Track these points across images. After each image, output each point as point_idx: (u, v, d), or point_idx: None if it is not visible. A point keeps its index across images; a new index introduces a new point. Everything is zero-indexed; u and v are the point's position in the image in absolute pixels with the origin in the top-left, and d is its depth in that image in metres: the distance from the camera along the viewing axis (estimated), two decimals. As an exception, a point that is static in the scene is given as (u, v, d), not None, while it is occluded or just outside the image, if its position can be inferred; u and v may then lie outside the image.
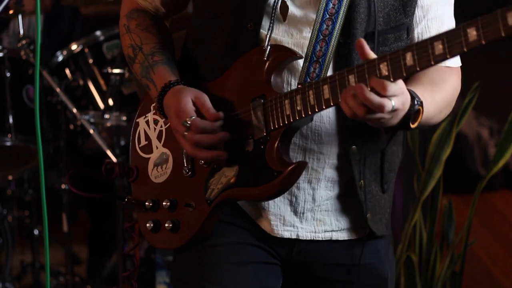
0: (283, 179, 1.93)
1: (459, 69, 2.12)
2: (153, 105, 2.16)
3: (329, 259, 2.12)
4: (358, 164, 2.03)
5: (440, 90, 2.03)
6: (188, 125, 1.96)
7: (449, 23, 2.10)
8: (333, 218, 2.09)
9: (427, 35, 2.06)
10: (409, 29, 2.04)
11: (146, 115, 2.18)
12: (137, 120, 2.21)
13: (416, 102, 1.89)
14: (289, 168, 1.93)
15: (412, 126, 1.92)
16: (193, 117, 1.96)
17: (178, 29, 2.34)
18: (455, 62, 2.10)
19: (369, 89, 1.78)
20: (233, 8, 2.01)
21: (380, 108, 1.79)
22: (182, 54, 2.17)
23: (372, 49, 1.86)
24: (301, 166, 1.94)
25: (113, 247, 4.25)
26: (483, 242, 4.77)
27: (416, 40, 2.07)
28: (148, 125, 2.18)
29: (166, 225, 2.08)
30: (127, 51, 2.15)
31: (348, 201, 2.09)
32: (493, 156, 3.42)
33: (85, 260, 4.69)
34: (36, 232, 4.22)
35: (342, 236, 2.11)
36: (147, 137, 2.18)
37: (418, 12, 2.04)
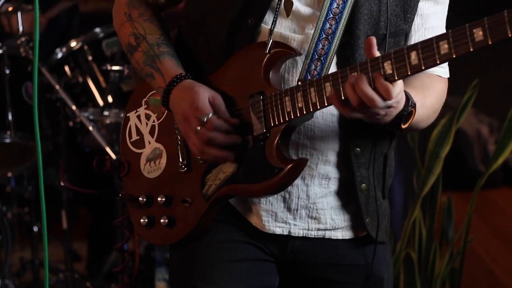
0: (283, 176, 1.92)
1: (447, 81, 2.12)
2: (145, 99, 2.15)
3: (324, 258, 2.10)
4: (361, 167, 2.03)
5: (430, 95, 2.04)
6: (205, 120, 1.94)
7: None
8: (328, 217, 2.07)
9: None
10: (407, 36, 2.05)
11: (137, 110, 2.17)
12: (127, 115, 2.20)
13: (410, 103, 1.90)
14: (290, 165, 1.92)
15: (403, 126, 1.92)
16: (211, 115, 1.95)
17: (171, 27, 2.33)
18: (445, 72, 2.11)
19: (371, 85, 1.79)
20: (234, 2, 2.00)
21: (372, 102, 1.79)
22: (176, 46, 2.14)
23: None
24: (302, 163, 1.94)
25: (113, 244, 4.25)
26: (483, 239, 4.77)
27: None
28: (140, 120, 2.16)
29: (162, 220, 2.07)
30: (127, 39, 2.13)
31: (345, 200, 2.08)
32: (493, 153, 3.42)
33: (85, 257, 4.69)
34: (35, 229, 4.22)
35: (336, 235, 2.09)
36: (139, 132, 2.16)
37: (417, 20, 2.05)
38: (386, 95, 1.79)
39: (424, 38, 2.03)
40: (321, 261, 2.11)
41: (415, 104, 1.91)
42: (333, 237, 2.09)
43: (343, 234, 2.09)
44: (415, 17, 2.04)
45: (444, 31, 2.10)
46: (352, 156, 2.02)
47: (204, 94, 1.97)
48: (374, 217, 2.08)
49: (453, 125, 3.38)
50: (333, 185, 2.05)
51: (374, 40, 1.80)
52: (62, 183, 3.99)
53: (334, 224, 2.08)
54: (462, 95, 3.41)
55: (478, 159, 5.78)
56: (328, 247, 2.09)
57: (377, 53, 1.81)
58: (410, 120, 1.93)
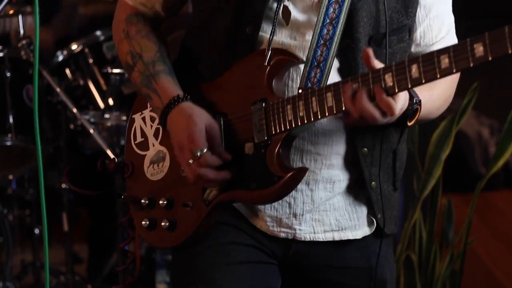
0: (283, 184, 1.93)
1: None
2: None
3: (327, 261, 2.11)
4: (370, 165, 2.04)
5: (437, 87, 2.04)
6: (198, 155, 1.95)
7: (450, 21, 2.11)
8: (332, 218, 2.07)
9: (429, 34, 2.08)
10: (411, 30, 2.05)
11: (143, 112, 2.17)
12: (132, 116, 2.20)
13: (414, 101, 1.91)
14: (290, 174, 1.92)
15: (409, 124, 1.94)
16: (205, 150, 1.95)
17: (175, 28, 2.34)
18: None
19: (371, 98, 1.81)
20: (232, 10, 2.00)
21: (373, 119, 1.83)
22: (180, 53, 2.16)
23: (376, 52, 1.88)
24: (302, 172, 1.94)
25: (114, 246, 4.26)
26: (483, 241, 4.77)
27: (418, 39, 2.08)
28: (145, 122, 2.16)
29: (163, 223, 2.08)
30: (125, 58, 2.12)
31: (352, 199, 2.08)
32: (493, 155, 3.42)
33: (86, 259, 4.69)
34: (36, 231, 4.22)
35: (346, 235, 2.09)
36: (143, 134, 2.17)
37: (420, 12, 2.05)
38: (389, 112, 1.81)
39: (430, 29, 2.06)
40: (325, 263, 2.11)
41: (420, 101, 1.92)
42: (343, 238, 2.09)
43: (353, 234, 2.09)
44: (417, 9, 2.04)
45: (451, 15, 2.11)
46: (360, 156, 2.02)
47: (202, 124, 1.97)
48: (385, 211, 2.09)
49: (454, 128, 3.39)
50: (338, 188, 2.06)
51: (371, 51, 1.82)
52: (63, 186, 4.00)
53: (340, 224, 2.08)
54: (462, 97, 3.41)
55: (479, 161, 5.78)
56: (332, 249, 2.10)
57: (376, 63, 1.82)
58: (416, 117, 1.95)
